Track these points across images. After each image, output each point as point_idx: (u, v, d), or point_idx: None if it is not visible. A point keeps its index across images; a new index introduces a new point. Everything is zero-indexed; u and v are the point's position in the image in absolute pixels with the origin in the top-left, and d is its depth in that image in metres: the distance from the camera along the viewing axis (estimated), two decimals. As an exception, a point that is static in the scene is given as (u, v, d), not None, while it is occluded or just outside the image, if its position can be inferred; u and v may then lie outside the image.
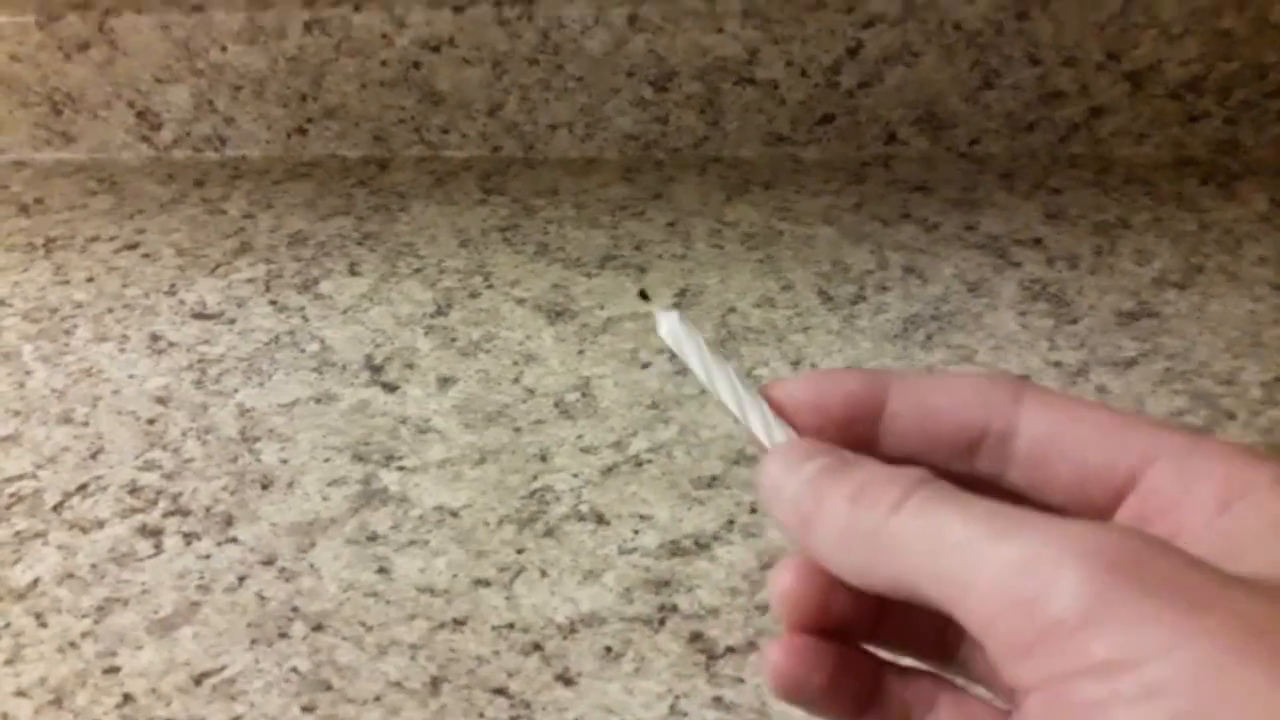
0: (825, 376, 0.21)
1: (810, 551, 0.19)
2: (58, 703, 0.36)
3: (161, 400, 0.48)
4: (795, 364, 0.48)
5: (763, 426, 0.21)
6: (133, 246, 0.59)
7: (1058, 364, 0.47)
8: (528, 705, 0.35)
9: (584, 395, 0.47)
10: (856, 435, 0.21)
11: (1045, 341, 0.48)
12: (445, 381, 0.48)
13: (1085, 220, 0.55)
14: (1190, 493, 0.18)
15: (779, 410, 0.21)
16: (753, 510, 0.41)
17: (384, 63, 0.62)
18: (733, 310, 0.51)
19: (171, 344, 0.52)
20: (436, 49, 0.61)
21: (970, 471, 0.20)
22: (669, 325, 0.23)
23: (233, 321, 0.53)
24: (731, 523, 0.41)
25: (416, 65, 0.62)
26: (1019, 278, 0.52)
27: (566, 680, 0.35)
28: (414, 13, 0.61)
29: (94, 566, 0.40)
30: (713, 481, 0.43)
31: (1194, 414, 0.44)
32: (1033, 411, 0.20)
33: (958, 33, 0.56)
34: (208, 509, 0.43)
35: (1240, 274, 0.51)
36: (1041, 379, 0.46)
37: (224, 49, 0.63)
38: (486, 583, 0.39)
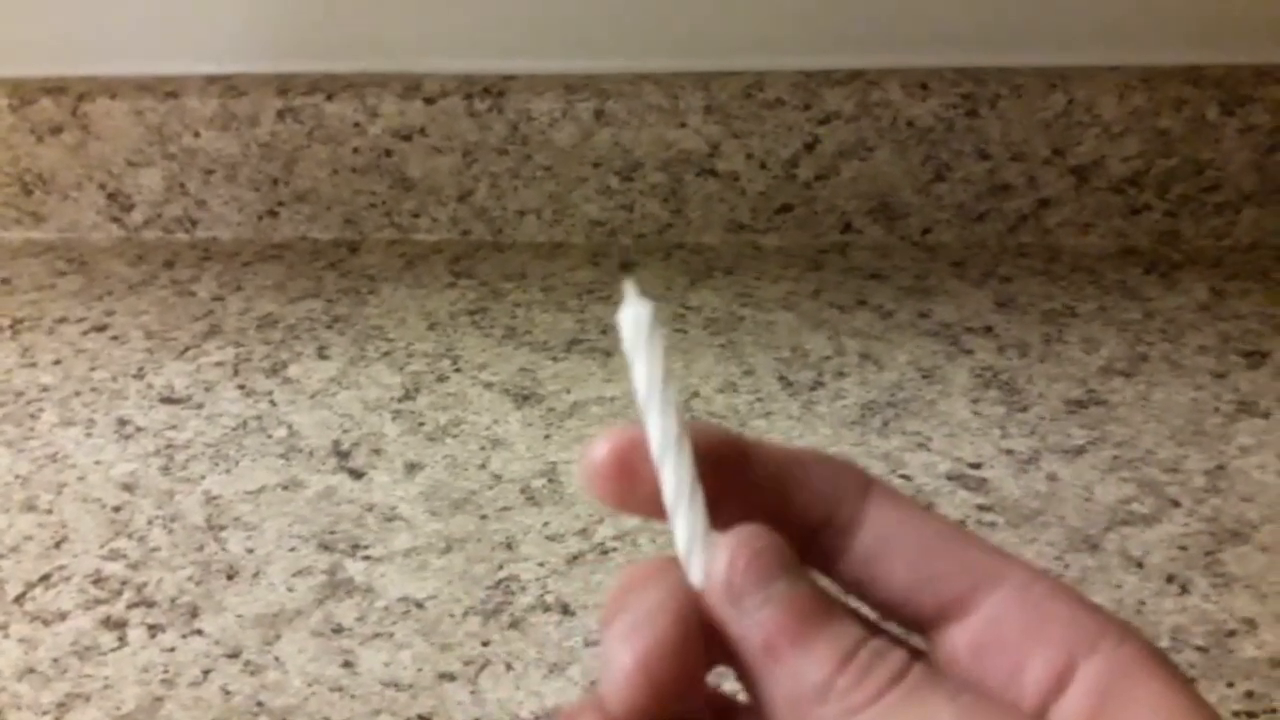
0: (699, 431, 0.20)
1: (759, 676, 0.18)
2: (17, 803, 0.35)
3: (128, 487, 0.48)
4: (756, 450, 0.49)
5: (675, 476, 0.19)
6: (101, 328, 0.60)
7: (1009, 451, 0.48)
8: (492, 802, 0.35)
9: (550, 481, 0.48)
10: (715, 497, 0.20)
11: (997, 429, 0.50)
12: (412, 467, 0.49)
13: (1034, 309, 0.57)
14: (1036, 635, 0.18)
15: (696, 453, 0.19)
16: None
17: (356, 150, 0.63)
18: (696, 395, 0.53)
19: (139, 429, 0.52)
20: (408, 138, 0.63)
21: (799, 552, 0.20)
22: (637, 317, 0.20)
23: (201, 406, 0.53)
24: (694, 613, 0.41)
25: (388, 153, 0.63)
26: (971, 365, 0.53)
27: (531, 776, 0.36)
28: (386, 103, 0.62)
29: (55, 660, 0.40)
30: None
31: (1140, 502, 0.46)
32: (879, 509, 0.20)
33: (910, 129, 0.59)
34: (173, 600, 0.43)
35: (1183, 362, 0.53)
36: (994, 467, 0.48)
37: (197, 134, 0.64)
38: (452, 676, 0.39)
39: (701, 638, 0.18)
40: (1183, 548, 0.44)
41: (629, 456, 0.19)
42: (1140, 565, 0.43)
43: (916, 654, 0.19)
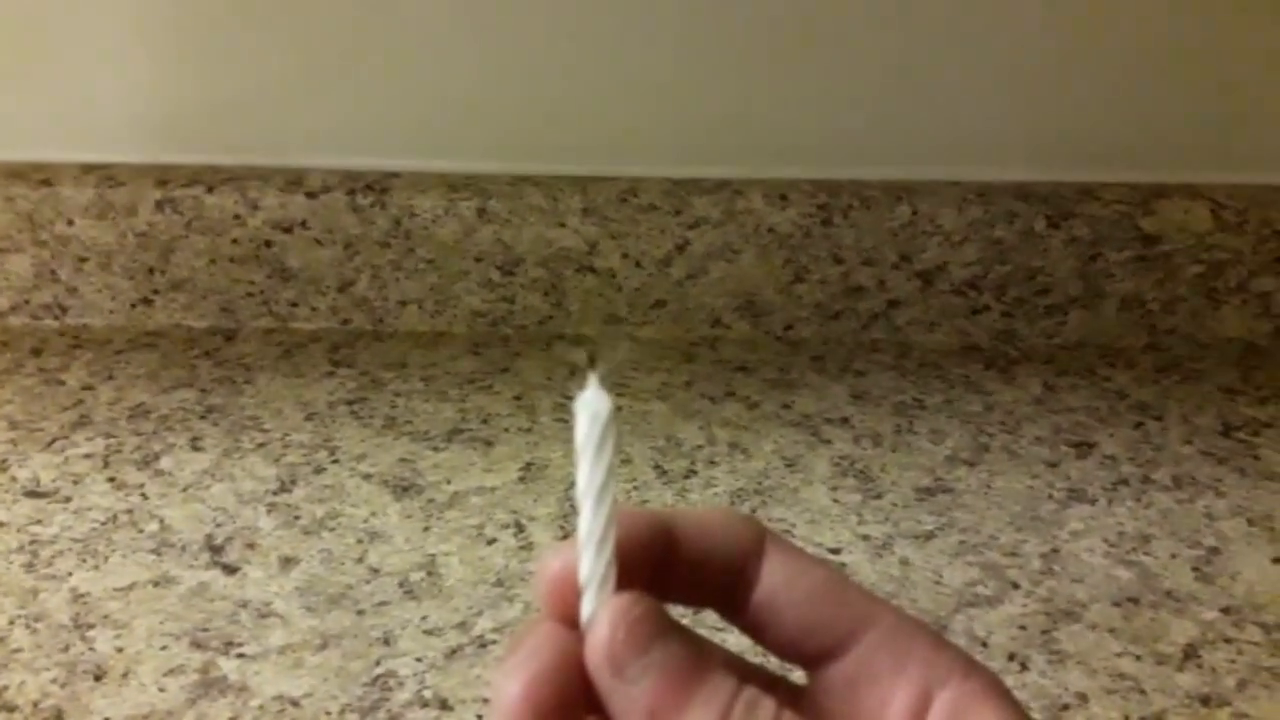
0: (627, 522, 0.22)
1: None
2: None
3: (-12, 586, 0.47)
4: (630, 539, 0.51)
5: (592, 563, 0.20)
6: (-40, 419, 0.58)
7: (865, 537, 0.52)
8: None
9: (429, 574, 0.49)
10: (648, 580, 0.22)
11: (854, 515, 0.53)
12: (287, 562, 0.49)
13: (886, 401, 0.61)
14: (898, 670, 0.21)
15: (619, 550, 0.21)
16: (590, 688, 0.43)
17: (235, 240, 0.64)
18: (574, 484, 0.54)
19: (1, 524, 0.51)
20: (289, 229, 0.64)
21: (721, 607, 0.23)
22: (596, 412, 0.20)
23: (68, 500, 0.52)
24: (570, 702, 0.43)
25: (268, 244, 0.64)
26: (830, 455, 0.57)
27: None
28: (267, 196, 0.63)
29: (-93, 771, 0.39)
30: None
31: (985, 584, 0.49)
32: (771, 564, 0.22)
33: (771, 234, 0.63)
34: (35, 704, 0.42)
35: (1020, 452, 0.58)
36: (852, 551, 0.51)
37: (71, 222, 0.63)
38: (329, 773, 0.39)
39: (581, 671, 0.20)
40: (1022, 627, 0.47)
41: (572, 575, 0.21)
42: (985, 644, 0.47)
43: (796, 691, 0.23)
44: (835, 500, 0.54)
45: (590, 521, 0.20)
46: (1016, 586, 0.49)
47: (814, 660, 0.22)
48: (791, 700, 0.22)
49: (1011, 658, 0.46)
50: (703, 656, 0.20)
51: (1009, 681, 0.45)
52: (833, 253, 0.63)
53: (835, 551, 0.51)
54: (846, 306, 0.65)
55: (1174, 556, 0.51)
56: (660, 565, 0.22)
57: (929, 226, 0.63)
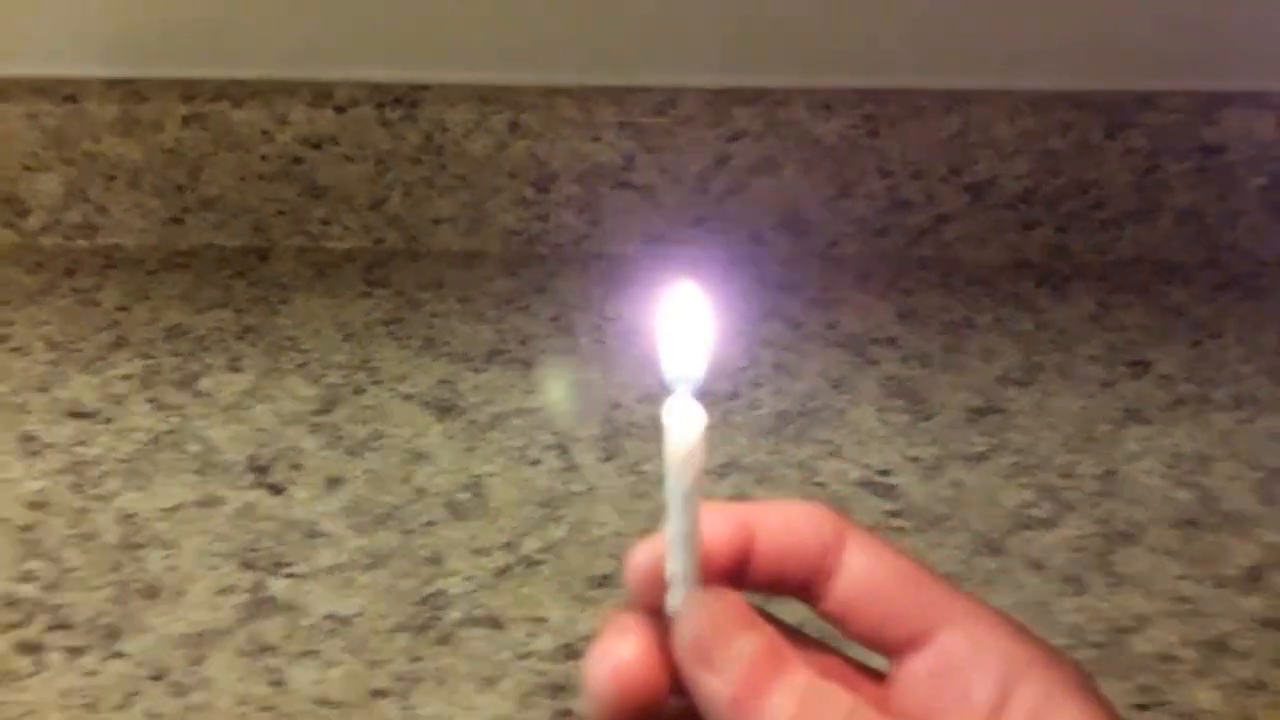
0: (710, 521, 0.23)
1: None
2: (-68, 840, 0.34)
3: (37, 506, 0.47)
4: (676, 460, 0.50)
5: (681, 561, 0.22)
6: (1, 340, 0.58)
7: (915, 459, 0.51)
8: (430, 817, 0.35)
9: (475, 494, 0.49)
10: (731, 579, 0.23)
11: (903, 437, 0.52)
12: (333, 482, 0.49)
13: (935, 320, 0.60)
14: (979, 663, 0.22)
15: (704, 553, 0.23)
16: (642, 609, 0.43)
17: (264, 157, 0.62)
18: (617, 406, 0.54)
19: (46, 445, 0.50)
20: (318, 146, 0.62)
21: (797, 594, 0.24)
22: (689, 426, 0.21)
23: (110, 421, 0.52)
24: (622, 622, 0.42)
25: (297, 160, 0.63)
26: (877, 375, 0.56)
27: (467, 789, 0.36)
28: (295, 111, 0.61)
29: (-33, 689, 0.39)
30: (604, 581, 0.44)
31: (1039, 506, 0.48)
32: (853, 556, 0.23)
33: (815, 147, 0.61)
34: (91, 622, 0.42)
35: (1074, 372, 0.56)
36: (902, 474, 0.50)
37: (97, 139, 0.62)
38: (384, 693, 0.39)
39: (668, 658, 0.22)
40: (1079, 550, 0.47)
41: (661, 569, 0.22)
42: (1040, 567, 0.46)
43: (879, 678, 0.24)
44: (883, 422, 0.53)
45: (677, 523, 0.22)
46: (1072, 508, 0.48)
47: (895, 650, 0.23)
48: (874, 688, 0.23)
49: (1068, 580, 0.45)
50: (783, 649, 0.22)
51: (1065, 604, 0.45)
52: (879, 166, 0.61)
53: (884, 473, 0.50)
54: (893, 222, 0.63)
55: (1234, 478, 0.49)
56: (742, 558, 0.23)
57: (980, 138, 0.61)
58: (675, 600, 0.22)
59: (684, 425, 0.21)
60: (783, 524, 0.24)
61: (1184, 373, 0.56)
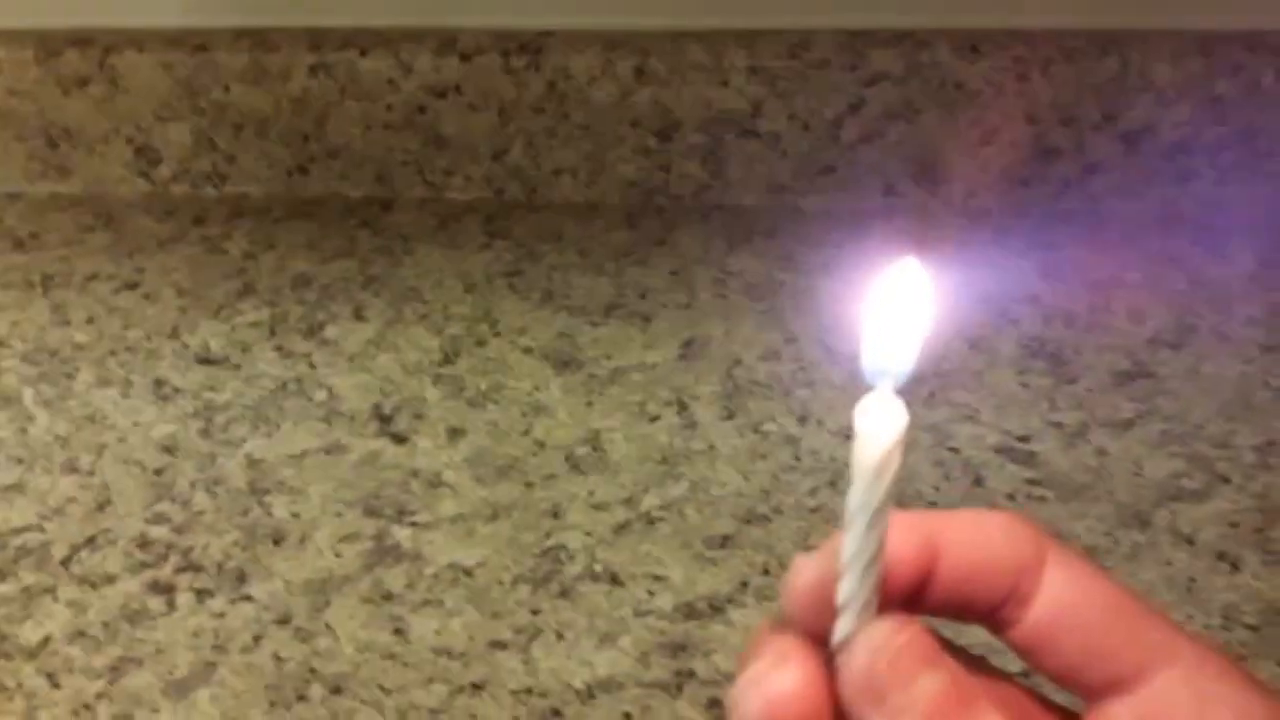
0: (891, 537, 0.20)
1: None
2: (74, 768, 0.35)
3: (168, 449, 0.48)
4: (802, 419, 0.49)
5: (858, 585, 0.19)
6: (132, 286, 0.59)
7: (1057, 424, 0.48)
8: (549, 773, 0.35)
9: (594, 449, 0.48)
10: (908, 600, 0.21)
11: (1045, 401, 0.49)
12: (455, 433, 0.49)
13: (1080, 277, 0.56)
14: (1199, 716, 0.19)
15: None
16: (766, 572, 0.42)
17: (389, 106, 0.62)
18: (738, 363, 0.52)
19: (176, 390, 0.52)
20: (442, 95, 0.62)
21: (982, 619, 0.21)
22: (885, 427, 0.18)
23: (238, 367, 0.53)
24: (745, 585, 0.41)
25: (421, 109, 0.62)
26: (1018, 335, 0.53)
27: (587, 747, 0.36)
28: (420, 59, 0.61)
29: (106, 624, 0.40)
30: (725, 541, 0.43)
31: (1190, 477, 0.45)
32: (1054, 579, 0.20)
33: (958, 91, 0.57)
34: (220, 565, 0.43)
35: (1231, 334, 0.52)
36: (1043, 440, 0.47)
37: (226, 89, 0.63)
38: (503, 645, 0.39)
39: (829, 694, 0.19)
40: (1233, 524, 0.43)
41: (828, 590, 0.20)
42: (1190, 542, 0.43)
43: (1072, 717, 0.20)
44: (1024, 385, 0.50)
45: (860, 543, 0.19)
46: (1227, 480, 0.45)
47: (1096, 691, 0.20)
48: None
49: (1221, 556, 0.42)
50: (971, 689, 0.19)
51: (1218, 582, 0.41)
52: (1027, 111, 0.57)
53: (1024, 439, 0.47)
54: (1038, 171, 0.59)
55: None
56: (924, 577, 0.20)
57: (1138, 81, 0.56)
58: (845, 628, 0.19)
59: (880, 428, 0.18)
60: (974, 538, 0.20)
61: (1361, 338, 0.51)
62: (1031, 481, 0.45)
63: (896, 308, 0.18)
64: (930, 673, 0.18)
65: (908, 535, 0.20)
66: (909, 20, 0.58)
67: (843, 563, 0.19)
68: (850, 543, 0.19)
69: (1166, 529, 0.43)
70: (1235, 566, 0.42)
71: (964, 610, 0.21)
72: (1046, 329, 0.53)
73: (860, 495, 0.18)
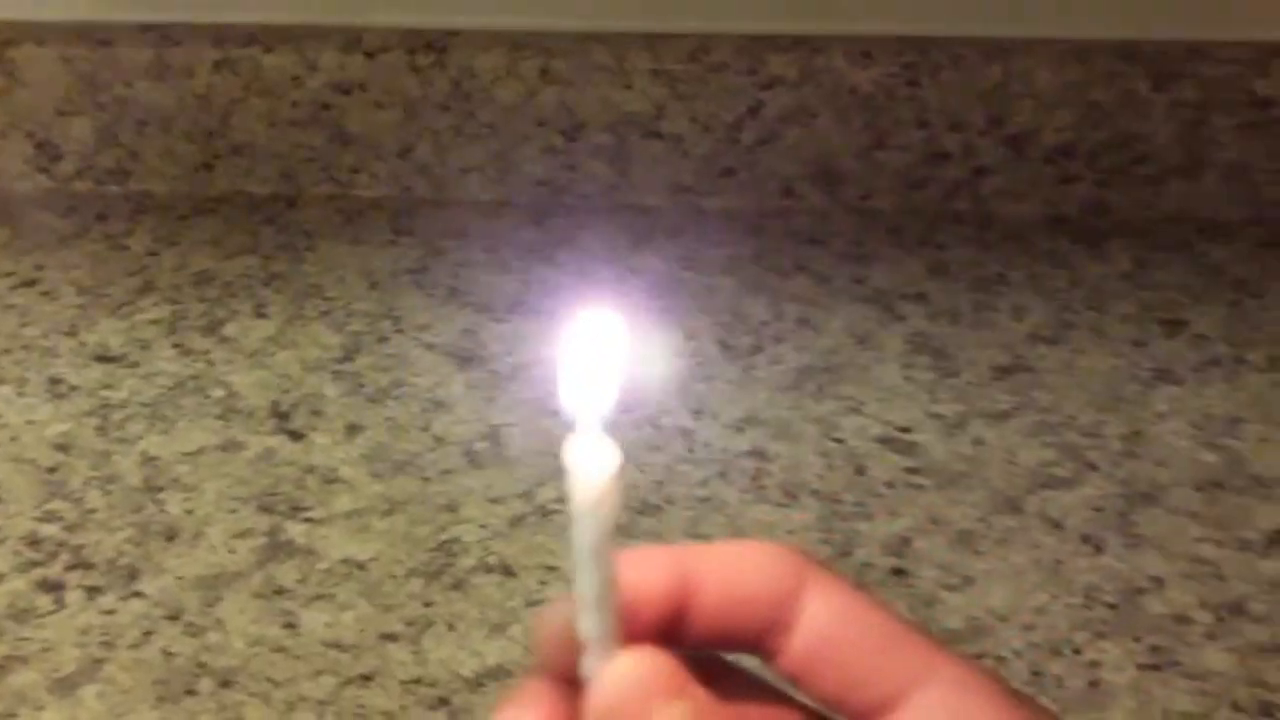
0: (640, 567, 0.20)
1: None
2: (-44, 765, 0.36)
3: (62, 448, 0.48)
4: (697, 413, 0.50)
5: (595, 623, 0.19)
6: (30, 283, 0.59)
7: (938, 416, 0.50)
8: (434, 759, 0.36)
9: (493, 444, 0.49)
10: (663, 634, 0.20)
11: (927, 394, 0.51)
12: (353, 429, 0.49)
13: (967, 275, 0.58)
14: None
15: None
16: (653, 561, 0.43)
17: (294, 103, 0.62)
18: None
19: (73, 388, 0.51)
20: (348, 92, 0.62)
21: (750, 645, 0.21)
22: (602, 463, 0.18)
23: (136, 365, 0.53)
24: (632, 574, 0.42)
25: (326, 107, 0.62)
26: (904, 331, 0.55)
27: (472, 733, 0.37)
28: (325, 56, 0.61)
29: (-7, 622, 0.40)
30: (618, 531, 0.44)
31: (1061, 465, 0.48)
32: (814, 607, 0.20)
33: (851, 96, 0.59)
34: (111, 562, 0.43)
35: (1106, 330, 0.55)
36: (923, 430, 0.49)
37: (129, 84, 0.62)
38: (394, 637, 0.40)
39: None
40: (1098, 509, 0.46)
41: (573, 630, 0.20)
42: (1059, 526, 0.45)
43: None
44: (908, 378, 0.52)
45: (587, 580, 0.19)
46: (1095, 468, 0.48)
47: (862, 716, 0.20)
48: None
49: (1086, 540, 0.45)
50: (720, 717, 0.19)
51: (1081, 564, 0.44)
52: (917, 116, 0.60)
53: (905, 430, 0.49)
54: (929, 174, 0.61)
55: (1264, 440, 0.48)
56: (680, 610, 0.20)
57: (1021, 88, 0.59)
58: (591, 665, 0.19)
59: (592, 468, 0.18)
60: (731, 569, 0.20)
61: (1220, 332, 0.54)
62: (911, 470, 0.47)
63: (593, 352, 0.19)
64: (670, 703, 0.18)
65: (661, 566, 0.20)
66: (804, 26, 0.60)
67: (578, 602, 0.19)
68: (580, 581, 0.19)
69: (1037, 514, 0.46)
70: (1099, 549, 0.44)
71: (728, 642, 0.21)
72: (932, 325, 0.55)
73: (581, 534, 0.19)
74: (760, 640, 0.20)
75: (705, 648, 0.21)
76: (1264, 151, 0.59)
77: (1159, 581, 0.43)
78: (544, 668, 0.20)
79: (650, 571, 0.20)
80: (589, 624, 0.19)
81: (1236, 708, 0.39)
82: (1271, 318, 0.55)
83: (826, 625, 0.20)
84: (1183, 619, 0.41)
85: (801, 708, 0.21)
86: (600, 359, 0.19)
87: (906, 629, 0.20)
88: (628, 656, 0.19)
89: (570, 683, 0.20)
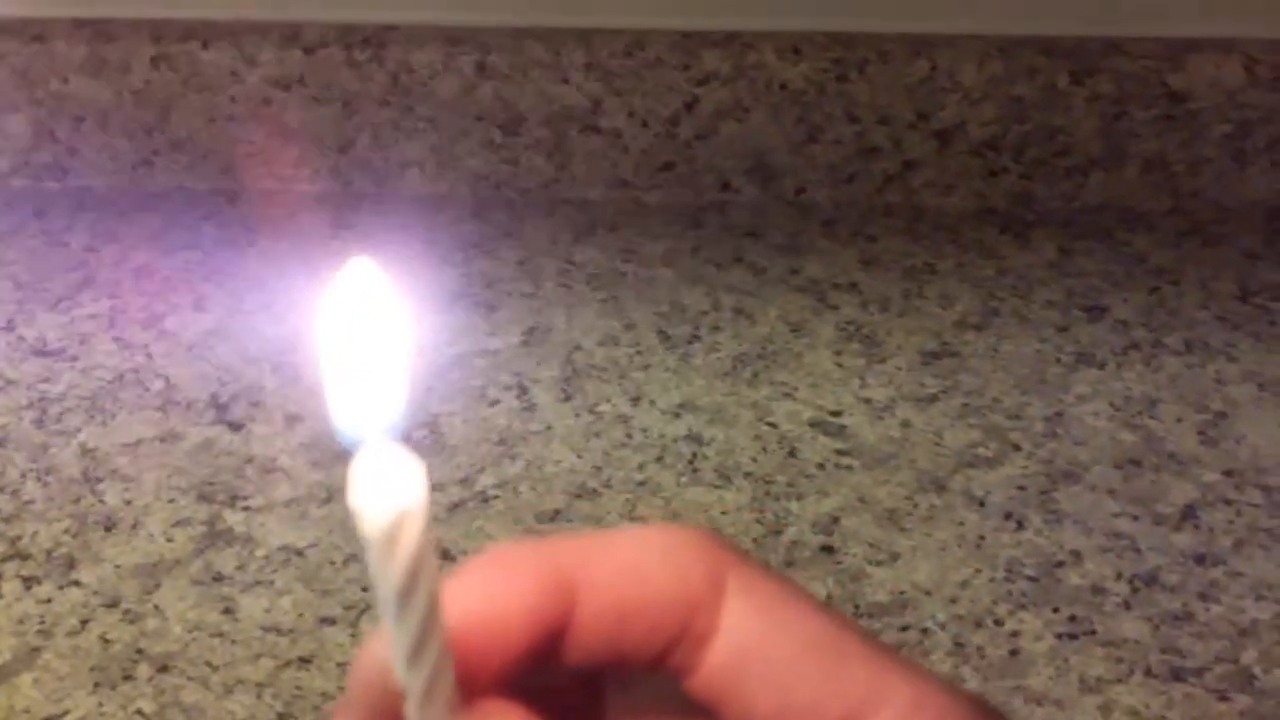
0: (501, 573, 0.16)
1: None
2: (-111, 754, 0.36)
3: (-2, 441, 0.48)
4: (635, 400, 0.51)
5: (411, 679, 0.15)
6: (-34, 279, 0.58)
7: (867, 400, 0.52)
8: (371, 736, 0.36)
9: (432, 432, 0.49)
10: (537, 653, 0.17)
11: (857, 380, 0.53)
12: (292, 419, 0.50)
13: (897, 265, 0.60)
14: None
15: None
16: (589, 543, 0.44)
17: (233, 98, 0.63)
18: (578, 348, 0.54)
19: (10, 382, 0.51)
20: (287, 87, 0.62)
21: (653, 671, 0.17)
22: (395, 503, 0.14)
23: (75, 359, 0.53)
24: (568, 555, 0.43)
25: (266, 102, 0.63)
26: (836, 320, 0.56)
27: (409, 711, 0.37)
28: (264, 52, 0.61)
29: (-73, 614, 0.40)
30: (555, 515, 0.45)
31: (985, 446, 0.49)
32: (736, 612, 0.16)
33: (783, 91, 0.61)
34: (49, 552, 0.43)
35: (1030, 316, 0.57)
36: (853, 414, 0.51)
37: (66, 80, 0.62)
38: (332, 621, 0.40)
39: None
40: (1021, 488, 0.47)
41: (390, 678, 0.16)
42: (982, 504, 0.47)
43: None
44: (839, 365, 0.53)
45: (400, 634, 0.15)
46: (1018, 448, 0.49)
47: None
48: None
49: (1008, 516, 0.46)
50: None
51: (1003, 539, 0.45)
52: (847, 111, 0.61)
53: (836, 414, 0.51)
54: (861, 168, 0.63)
55: (1180, 420, 0.50)
56: (555, 629, 0.16)
57: (947, 83, 0.60)
58: (413, 717, 0.16)
59: (380, 500, 0.14)
60: (626, 570, 0.16)
61: (1140, 318, 0.56)
62: (840, 452, 0.49)
63: (364, 353, 0.14)
64: None
65: (528, 576, 0.16)
66: (736, 23, 0.62)
67: (399, 666, 0.15)
68: (389, 631, 0.15)
69: (961, 492, 0.47)
70: (1020, 525, 0.46)
71: (625, 658, 0.16)
72: (863, 314, 0.57)
73: (380, 580, 0.15)
74: (667, 655, 0.16)
75: (596, 666, 0.17)
76: (1179, 143, 0.61)
77: (1077, 555, 0.45)
78: (358, 709, 0.16)
79: (514, 580, 0.16)
80: (408, 679, 0.15)
81: (1149, 673, 0.41)
82: (1189, 304, 0.57)
83: (752, 635, 0.16)
84: (1099, 590, 0.43)
85: None
86: (374, 350, 0.14)
87: (849, 635, 0.16)
88: (466, 714, 0.15)
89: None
